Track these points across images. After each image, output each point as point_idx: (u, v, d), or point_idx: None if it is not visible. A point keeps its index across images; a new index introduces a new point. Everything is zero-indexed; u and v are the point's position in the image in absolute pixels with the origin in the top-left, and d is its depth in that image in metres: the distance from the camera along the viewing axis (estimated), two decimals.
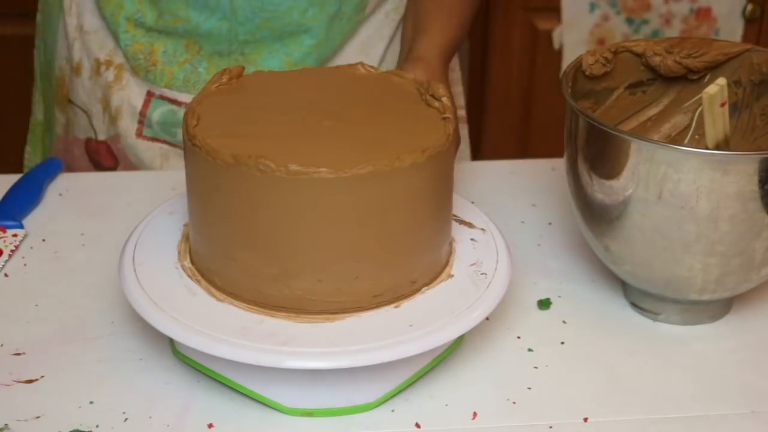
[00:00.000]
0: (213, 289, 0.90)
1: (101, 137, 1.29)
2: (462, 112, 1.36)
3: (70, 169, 1.33)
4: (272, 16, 1.17)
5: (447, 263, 0.94)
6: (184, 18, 1.18)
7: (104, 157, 1.30)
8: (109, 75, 1.25)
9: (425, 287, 0.91)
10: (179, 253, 0.95)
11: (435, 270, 0.92)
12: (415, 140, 0.87)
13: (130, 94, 1.25)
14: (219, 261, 0.89)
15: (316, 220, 0.84)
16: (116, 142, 1.28)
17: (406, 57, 1.13)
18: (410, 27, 1.17)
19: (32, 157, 1.42)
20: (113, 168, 1.30)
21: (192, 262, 0.93)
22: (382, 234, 0.86)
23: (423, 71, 1.08)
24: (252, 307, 0.88)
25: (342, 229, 0.85)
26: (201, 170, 0.88)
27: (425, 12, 1.16)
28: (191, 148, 0.88)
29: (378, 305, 0.88)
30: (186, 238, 0.96)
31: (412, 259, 0.89)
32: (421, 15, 1.16)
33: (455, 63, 1.34)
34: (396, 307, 0.89)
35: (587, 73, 1.03)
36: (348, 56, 1.23)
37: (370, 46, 1.25)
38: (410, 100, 0.94)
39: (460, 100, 1.36)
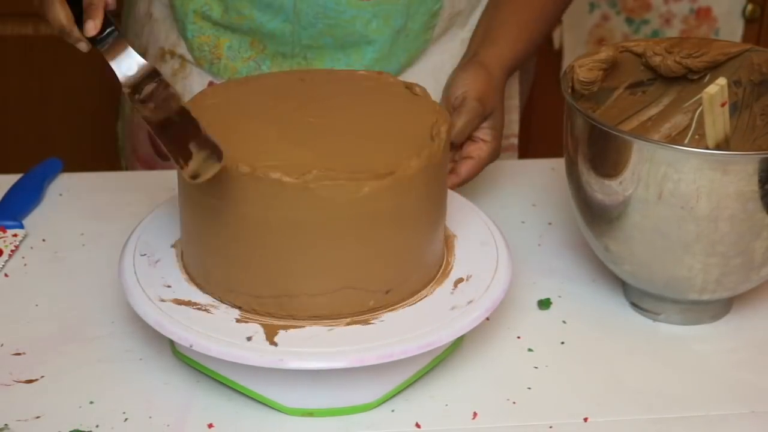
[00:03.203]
0: (212, 290, 0.90)
1: None
2: (514, 140, 1.35)
3: (134, 151, 1.32)
4: (335, 24, 1.16)
5: (446, 266, 0.94)
6: (248, 16, 1.17)
7: None
8: (174, 63, 1.25)
9: (423, 291, 0.91)
10: (179, 253, 0.95)
11: (431, 274, 0.92)
12: (390, 159, 0.86)
13: (193, 83, 1.24)
14: (214, 265, 0.89)
15: (310, 228, 0.84)
16: None
17: (470, 59, 1.12)
18: (481, 32, 1.16)
19: (121, 132, 1.41)
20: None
21: (190, 264, 0.93)
22: (371, 243, 0.86)
23: (484, 78, 1.07)
24: (251, 311, 0.88)
25: (333, 238, 0.85)
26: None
27: (500, 22, 1.15)
28: None
29: (376, 310, 0.88)
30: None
31: (407, 265, 0.89)
32: (495, 24, 1.15)
33: (514, 91, 1.33)
34: (392, 310, 0.89)
35: (582, 91, 1.03)
36: (417, 77, 1.19)
37: (443, 72, 1.21)
38: (412, 115, 0.93)
39: (514, 128, 1.35)
